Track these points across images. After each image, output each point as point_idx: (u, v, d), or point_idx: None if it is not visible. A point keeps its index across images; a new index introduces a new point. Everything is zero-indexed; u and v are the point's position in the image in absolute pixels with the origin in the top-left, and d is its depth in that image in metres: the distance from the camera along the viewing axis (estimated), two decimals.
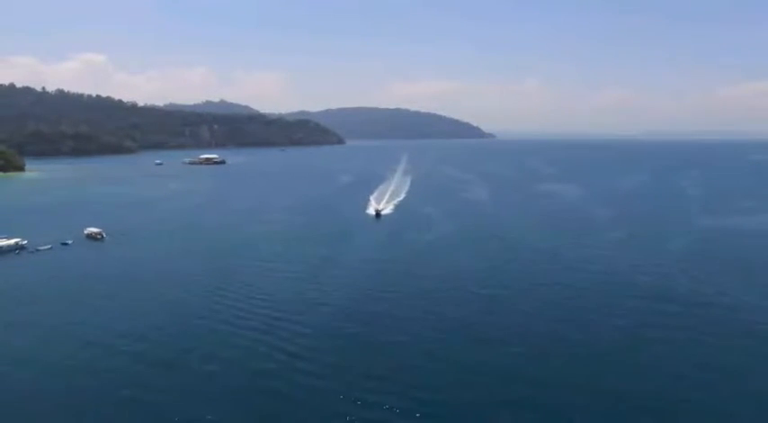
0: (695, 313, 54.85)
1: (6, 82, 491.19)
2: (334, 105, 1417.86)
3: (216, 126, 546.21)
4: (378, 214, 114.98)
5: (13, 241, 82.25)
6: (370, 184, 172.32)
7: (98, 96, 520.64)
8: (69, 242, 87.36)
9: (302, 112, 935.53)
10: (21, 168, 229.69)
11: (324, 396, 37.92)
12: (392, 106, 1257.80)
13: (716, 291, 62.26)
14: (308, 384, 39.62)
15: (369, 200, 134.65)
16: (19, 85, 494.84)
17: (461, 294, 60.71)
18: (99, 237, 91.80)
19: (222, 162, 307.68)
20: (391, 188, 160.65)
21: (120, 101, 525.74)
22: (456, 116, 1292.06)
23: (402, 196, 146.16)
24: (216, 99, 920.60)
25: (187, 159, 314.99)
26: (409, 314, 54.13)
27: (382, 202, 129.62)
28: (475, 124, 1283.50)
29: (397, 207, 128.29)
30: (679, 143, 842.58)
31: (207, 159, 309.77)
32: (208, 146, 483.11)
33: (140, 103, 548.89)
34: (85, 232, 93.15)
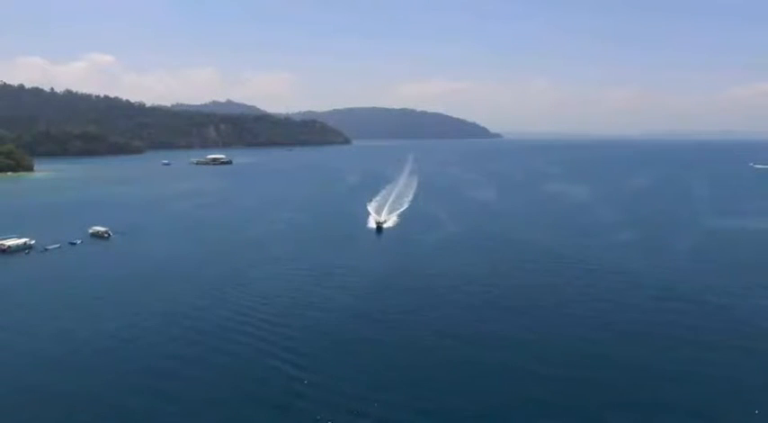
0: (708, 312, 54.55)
1: (15, 83, 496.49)
2: (340, 105, 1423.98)
3: (223, 126, 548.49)
4: (379, 228, 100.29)
5: (21, 241, 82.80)
6: (374, 185, 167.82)
7: (106, 97, 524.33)
8: (78, 242, 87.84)
9: (309, 113, 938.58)
10: (30, 168, 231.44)
11: (326, 402, 37.94)
12: (399, 106, 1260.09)
13: (723, 291, 61.86)
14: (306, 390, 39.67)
15: (369, 210, 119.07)
16: (28, 85, 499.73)
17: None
18: (106, 235, 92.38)
19: (229, 162, 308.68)
20: (396, 191, 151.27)
21: (127, 101, 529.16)
22: (462, 116, 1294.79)
23: (406, 205, 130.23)
24: (223, 99, 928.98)
25: (194, 159, 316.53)
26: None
27: (384, 213, 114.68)
28: (481, 125, 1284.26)
29: (402, 217, 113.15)
30: (689, 143, 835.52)
31: (214, 159, 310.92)
32: (215, 146, 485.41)
33: (148, 104, 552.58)
34: (90, 231, 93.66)
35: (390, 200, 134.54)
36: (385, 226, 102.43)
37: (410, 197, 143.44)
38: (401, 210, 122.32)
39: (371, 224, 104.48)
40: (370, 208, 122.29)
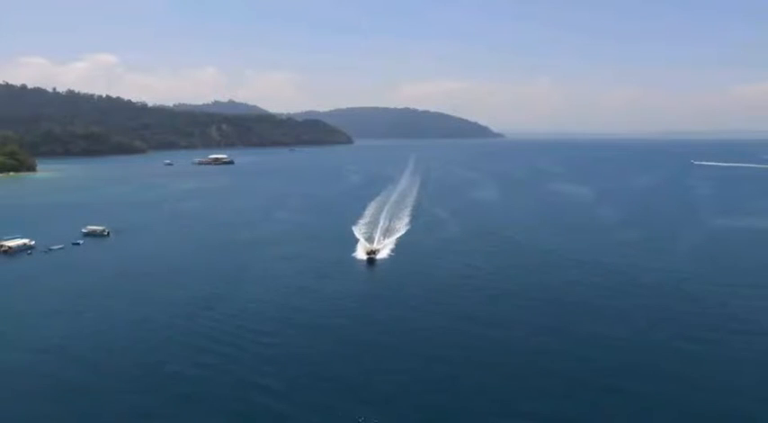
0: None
1: (18, 83, 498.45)
2: (342, 105, 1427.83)
3: (225, 126, 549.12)
4: (371, 259, 76.27)
5: (21, 242, 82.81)
6: (373, 188, 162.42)
7: (108, 97, 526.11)
8: (80, 242, 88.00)
9: (311, 112, 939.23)
10: (32, 168, 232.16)
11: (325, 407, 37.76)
12: (401, 106, 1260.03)
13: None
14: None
15: (356, 235, 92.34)
16: (30, 85, 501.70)
17: None
18: (105, 233, 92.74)
19: (231, 162, 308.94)
20: (394, 197, 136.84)
21: (130, 101, 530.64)
22: (464, 116, 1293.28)
23: (406, 220, 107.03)
24: (225, 99, 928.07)
25: (196, 159, 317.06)
26: None
27: (377, 238, 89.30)
28: (483, 124, 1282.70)
29: (401, 241, 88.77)
30: (692, 142, 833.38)
31: (216, 159, 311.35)
32: (217, 146, 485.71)
33: (150, 104, 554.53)
34: (84, 230, 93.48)
35: (385, 214, 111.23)
36: (378, 257, 77.83)
37: (410, 208, 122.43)
38: (399, 234, 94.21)
39: (360, 254, 79.39)
40: (358, 232, 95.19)
